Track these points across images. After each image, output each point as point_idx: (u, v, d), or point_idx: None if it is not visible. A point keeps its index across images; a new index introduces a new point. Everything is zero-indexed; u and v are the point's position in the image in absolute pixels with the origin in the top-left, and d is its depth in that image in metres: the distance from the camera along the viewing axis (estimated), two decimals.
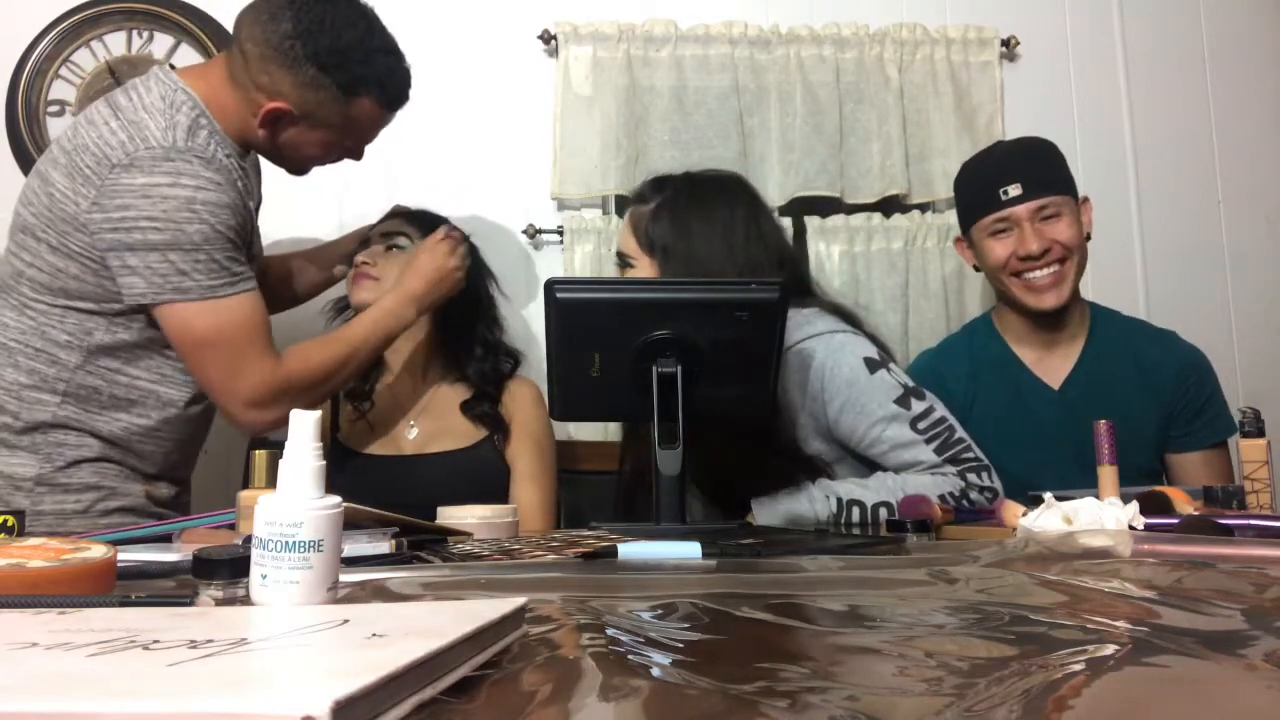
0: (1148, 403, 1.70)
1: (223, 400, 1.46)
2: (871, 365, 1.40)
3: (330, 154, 1.58)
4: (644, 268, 1.47)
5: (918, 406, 1.38)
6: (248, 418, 1.45)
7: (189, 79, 1.47)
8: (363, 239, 1.77)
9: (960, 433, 1.39)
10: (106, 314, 1.42)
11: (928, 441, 1.36)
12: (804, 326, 1.43)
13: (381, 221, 1.79)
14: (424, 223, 1.77)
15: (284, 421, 1.46)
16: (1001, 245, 1.67)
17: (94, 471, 1.45)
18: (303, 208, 2.12)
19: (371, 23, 1.51)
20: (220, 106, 1.47)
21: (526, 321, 2.11)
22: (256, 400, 1.43)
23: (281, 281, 1.81)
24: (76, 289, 1.41)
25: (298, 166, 1.59)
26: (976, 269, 1.78)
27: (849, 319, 1.50)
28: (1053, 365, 1.74)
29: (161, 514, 1.52)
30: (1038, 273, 1.65)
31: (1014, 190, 1.63)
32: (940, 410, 1.40)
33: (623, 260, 1.52)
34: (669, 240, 1.45)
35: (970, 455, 1.37)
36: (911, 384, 1.41)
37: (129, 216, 1.36)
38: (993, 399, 1.72)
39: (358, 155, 1.62)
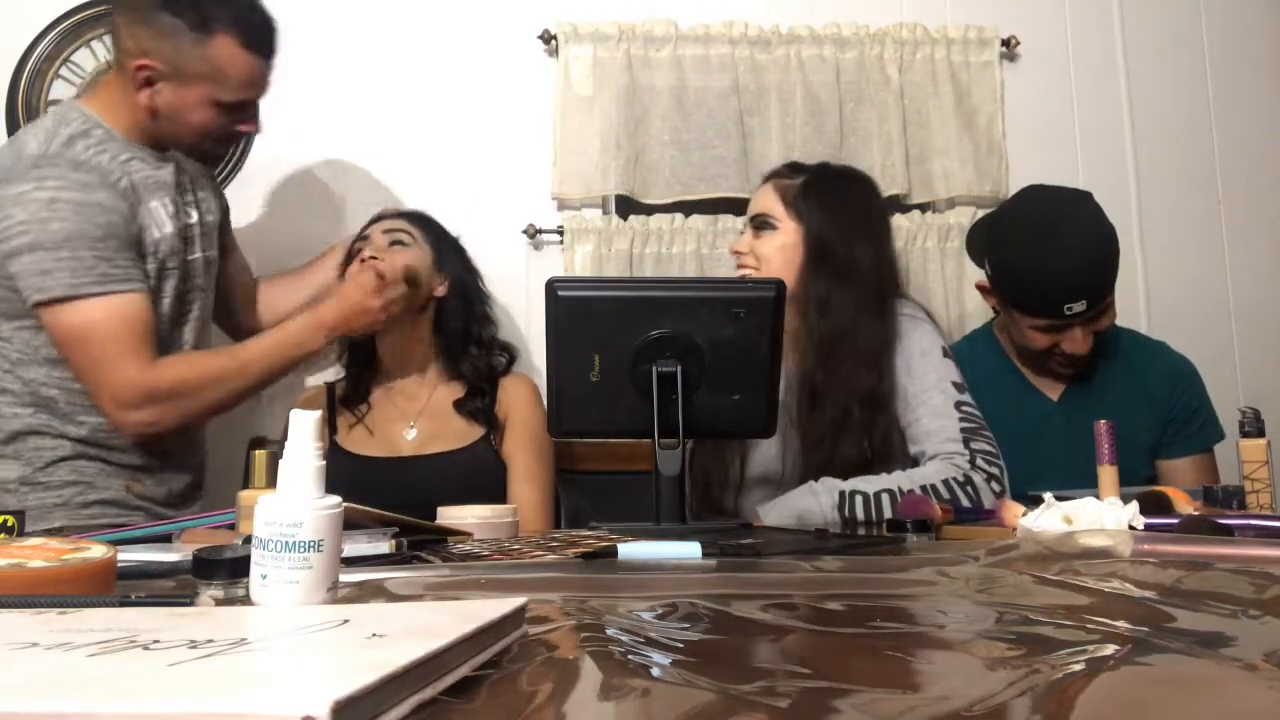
0: (1143, 411, 1.71)
1: (96, 400, 1.46)
2: (945, 353, 1.52)
3: (216, 119, 1.54)
4: (787, 232, 1.56)
5: (967, 396, 1.48)
6: (118, 418, 1.46)
7: (85, 98, 1.55)
8: (349, 250, 1.78)
9: (990, 433, 1.45)
10: (40, 325, 1.46)
11: (960, 420, 1.44)
12: (903, 308, 1.56)
13: (372, 224, 1.79)
14: (421, 221, 1.78)
15: (159, 425, 1.47)
16: (1045, 337, 1.67)
17: (71, 470, 1.51)
18: (303, 208, 2.12)
19: None
20: (113, 110, 1.51)
21: (525, 322, 2.11)
22: (121, 401, 1.44)
23: (264, 306, 1.83)
24: (8, 309, 1.46)
25: (196, 142, 1.56)
26: (996, 311, 1.79)
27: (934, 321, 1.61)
28: (1051, 377, 1.75)
29: (144, 508, 1.57)
30: (1071, 368, 1.69)
31: (1079, 307, 1.60)
32: (982, 415, 1.47)
33: (763, 222, 1.58)
34: (817, 212, 1.55)
35: (990, 447, 1.42)
36: (966, 385, 1.51)
37: (5, 226, 1.40)
38: (992, 410, 1.73)
39: (248, 121, 1.58)
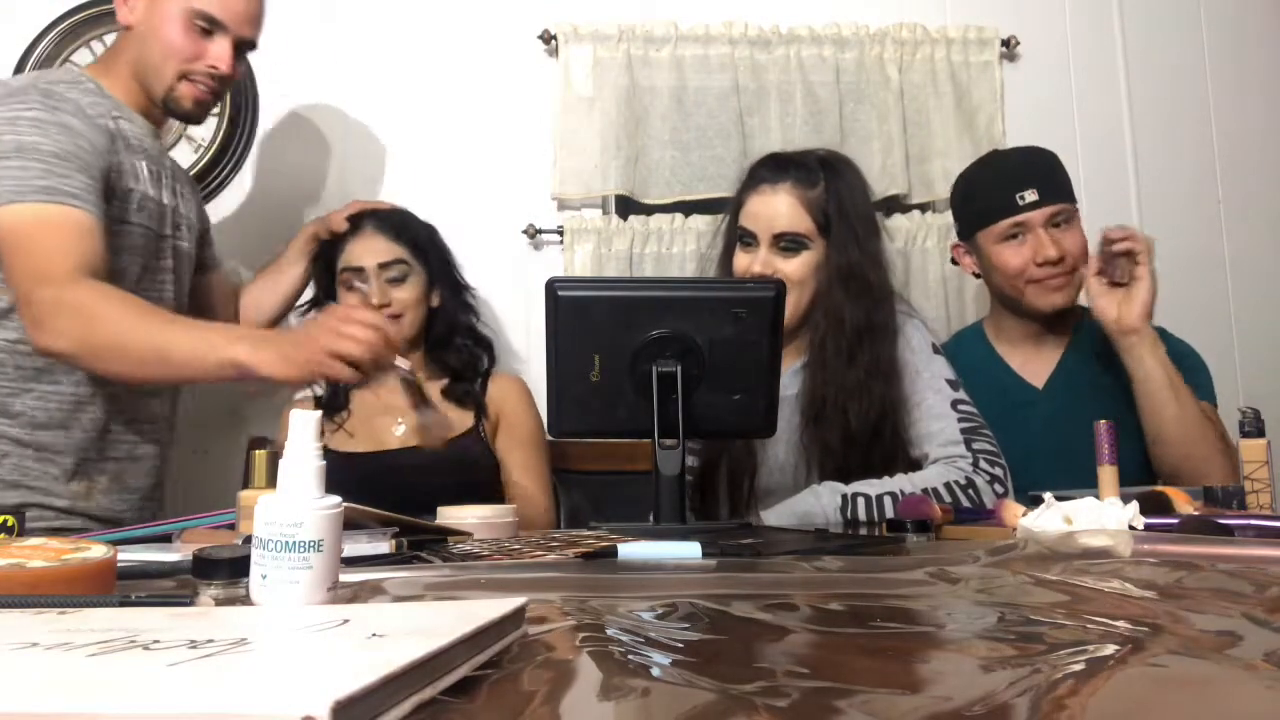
0: (1130, 396, 1.66)
1: (20, 310, 1.32)
2: (934, 349, 1.52)
3: (190, 38, 1.49)
4: (818, 250, 1.51)
5: (962, 394, 1.48)
6: (31, 336, 1.31)
7: (86, 67, 1.54)
8: (317, 235, 1.78)
9: (988, 429, 1.45)
10: None
11: (959, 420, 1.43)
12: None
13: (353, 237, 1.75)
14: (409, 239, 1.75)
15: (68, 351, 1.30)
16: (1015, 253, 1.66)
17: (15, 469, 1.41)
18: (302, 208, 2.12)
19: None
20: (108, 72, 1.51)
21: (525, 322, 2.11)
22: (35, 302, 1.28)
23: (247, 308, 1.80)
24: None
25: (172, 71, 1.50)
26: (976, 275, 1.78)
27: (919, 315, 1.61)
28: (1036, 366, 1.74)
29: (87, 515, 1.46)
30: (1054, 279, 1.65)
31: (1030, 196, 1.62)
32: (977, 410, 1.48)
33: (795, 242, 1.50)
34: (844, 228, 1.50)
35: (991, 446, 1.42)
36: (959, 381, 1.51)
37: None
38: (977, 400, 1.67)
39: (220, 55, 1.51)
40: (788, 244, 1.50)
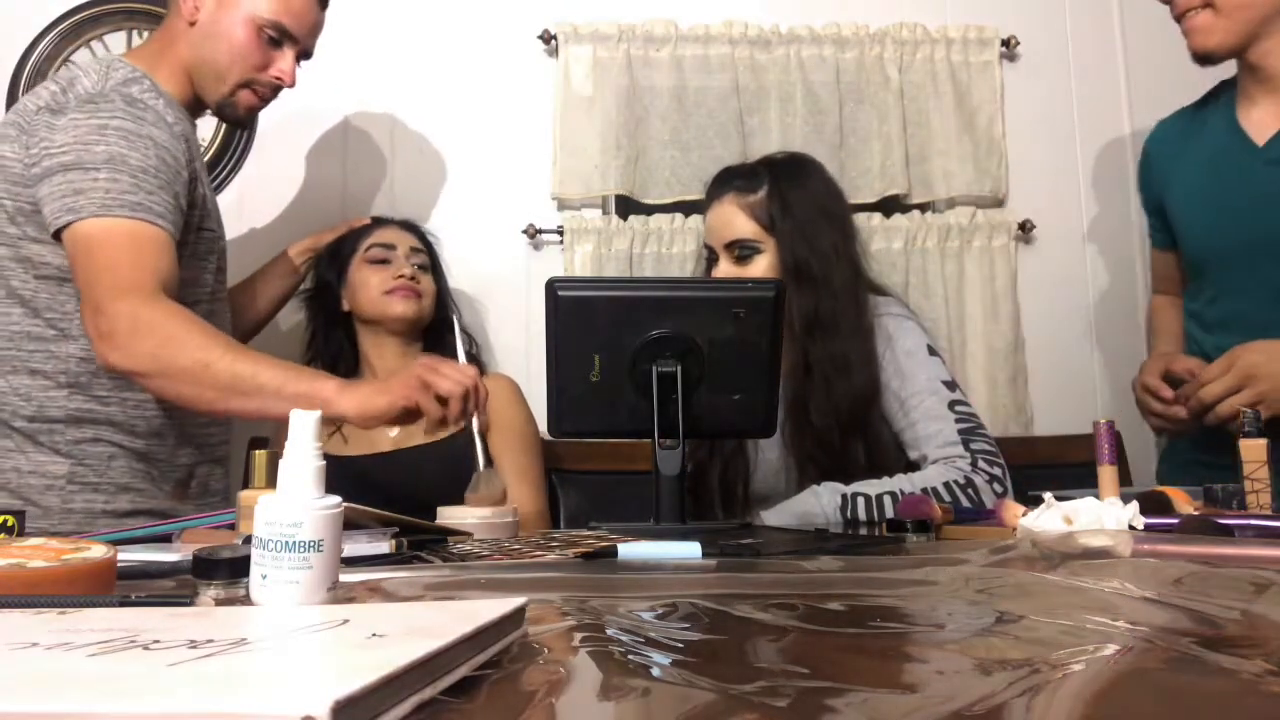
0: None
1: (86, 324, 1.30)
2: (930, 350, 1.50)
3: (254, 44, 1.48)
4: (770, 251, 1.50)
5: (959, 394, 1.46)
6: (98, 350, 1.29)
7: (126, 55, 1.51)
8: (315, 250, 1.83)
9: (987, 430, 1.44)
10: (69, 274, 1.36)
11: (956, 421, 1.42)
12: (882, 305, 1.53)
13: (377, 228, 1.83)
14: (426, 243, 1.85)
15: (140, 370, 1.28)
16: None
17: (126, 471, 1.42)
18: (303, 210, 2.12)
19: None
20: (157, 68, 1.47)
21: (525, 322, 2.11)
22: (110, 315, 1.26)
23: (239, 311, 1.78)
24: (34, 254, 1.38)
25: (231, 76, 1.49)
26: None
27: (916, 317, 1.59)
28: (1265, 116, 1.44)
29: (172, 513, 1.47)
30: (1190, 14, 1.40)
31: None
32: (974, 410, 1.47)
33: (746, 248, 1.51)
34: (789, 222, 1.49)
35: (989, 446, 1.41)
36: (956, 382, 1.50)
37: (43, 149, 1.34)
38: (1193, 157, 1.47)
39: (283, 67, 1.51)
40: (741, 252, 1.51)
